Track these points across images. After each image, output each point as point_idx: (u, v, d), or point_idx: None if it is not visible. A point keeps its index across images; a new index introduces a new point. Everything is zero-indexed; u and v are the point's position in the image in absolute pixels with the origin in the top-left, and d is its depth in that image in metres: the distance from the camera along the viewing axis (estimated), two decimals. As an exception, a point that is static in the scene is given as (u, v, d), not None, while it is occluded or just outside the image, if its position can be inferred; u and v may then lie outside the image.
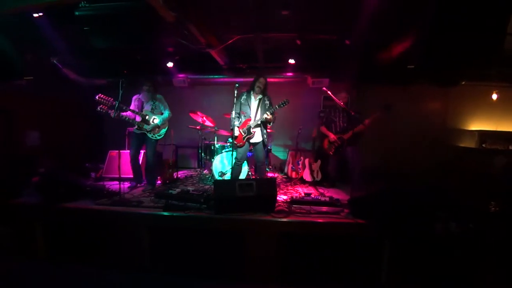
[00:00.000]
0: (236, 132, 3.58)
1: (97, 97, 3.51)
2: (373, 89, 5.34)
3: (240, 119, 3.62)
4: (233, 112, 3.60)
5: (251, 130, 3.55)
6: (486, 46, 2.72)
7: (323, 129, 4.29)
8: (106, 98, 3.53)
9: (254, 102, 3.63)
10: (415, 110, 5.46)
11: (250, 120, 3.57)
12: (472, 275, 2.54)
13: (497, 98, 5.20)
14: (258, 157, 3.68)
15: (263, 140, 3.61)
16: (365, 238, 2.72)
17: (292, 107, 5.84)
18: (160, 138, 4.08)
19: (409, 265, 2.63)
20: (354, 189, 3.80)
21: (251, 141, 3.61)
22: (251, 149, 3.82)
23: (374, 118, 3.83)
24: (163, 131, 4.06)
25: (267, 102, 3.62)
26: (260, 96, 3.62)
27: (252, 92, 3.63)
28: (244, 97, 3.65)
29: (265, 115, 3.45)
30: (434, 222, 2.67)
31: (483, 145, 5.12)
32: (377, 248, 2.70)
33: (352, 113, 3.93)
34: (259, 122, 3.55)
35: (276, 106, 3.48)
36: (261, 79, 3.57)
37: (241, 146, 3.60)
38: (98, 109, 3.50)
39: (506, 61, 3.11)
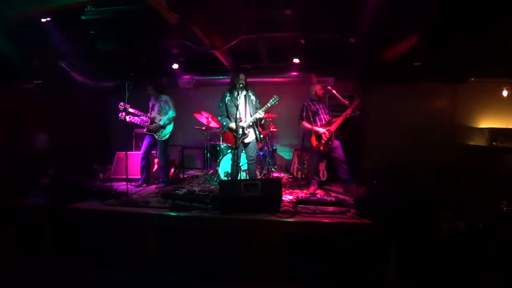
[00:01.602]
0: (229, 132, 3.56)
1: (120, 105, 3.81)
2: (379, 87, 5.27)
3: (230, 121, 3.56)
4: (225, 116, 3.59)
5: (246, 131, 3.51)
6: (494, 42, 2.66)
7: (306, 124, 3.95)
8: (124, 106, 3.80)
9: (240, 100, 3.51)
10: (423, 108, 5.37)
11: (241, 120, 3.48)
12: (481, 276, 2.48)
13: (507, 95, 5.08)
14: (249, 156, 3.64)
15: (256, 137, 3.57)
16: (371, 238, 2.69)
17: (297, 107, 5.83)
18: (166, 139, 4.16)
19: (417, 266, 2.59)
20: (345, 186, 3.81)
21: (245, 140, 3.58)
22: (260, 148, 3.81)
23: (355, 106, 3.75)
24: (166, 131, 4.14)
25: (253, 97, 3.58)
26: (244, 93, 3.55)
27: (235, 91, 3.52)
28: (228, 98, 3.57)
29: (258, 115, 3.43)
30: (442, 222, 2.61)
31: (494, 143, 5.00)
32: (384, 248, 2.67)
33: (358, 112, 3.83)
34: (251, 123, 3.50)
35: (268, 105, 3.42)
36: (241, 75, 3.50)
37: (236, 148, 3.55)
38: (119, 116, 3.81)
39: (515, 56, 3.03)
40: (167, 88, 5.87)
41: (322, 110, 3.98)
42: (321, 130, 3.79)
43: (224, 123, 3.59)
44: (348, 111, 3.74)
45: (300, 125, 4.04)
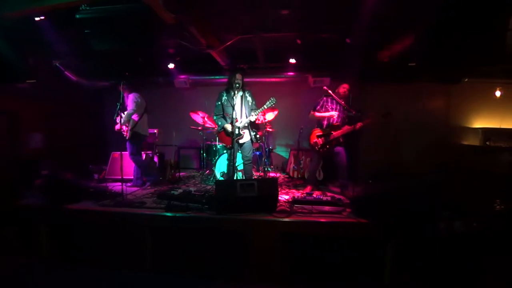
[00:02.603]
0: (227, 131, 3.54)
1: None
2: (374, 87, 5.31)
3: (225, 121, 3.55)
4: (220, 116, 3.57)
5: (241, 132, 3.50)
6: (488, 43, 2.69)
7: (315, 114, 3.83)
8: (117, 110, 3.76)
9: (236, 100, 3.47)
10: (417, 108, 5.42)
11: (237, 121, 3.47)
12: (477, 275, 2.51)
13: (500, 95, 5.15)
14: (245, 156, 3.63)
15: (251, 138, 3.57)
16: (367, 238, 2.71)
17: (293, 107, 5.88)
18: (129, 138, 3.98)
19: (413, 265, 2.61)
20: (343, 190, 3.74)
21: (240, 141, 3.57)
22: (256, 148, 3.79)
23: (367, 123, 3.58)
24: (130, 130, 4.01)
25: (249, 98, 3.56)
26: (240, 93, 3.53)
27: (231, 91, 3.49)
28: (224, 97, 3.55)
29: (252, 117, 3.43)
30: (437, 221, 2.64)
31: (487, 143, 5.07)
32: (380, 248, 2.68)
33: (354, 113, 3.74)
34: (246, 124, 3.50)
35: (264, 106, 3.41)
36: (238, 75, 3.46)
37: (232, 148, 3.53)
38: (116, 119, 3.78)
39: (508, 57, 3.08)
40: (163, 87, 5.91)
41: (336, 112, 3.80)
42: (326, 114, 3.72)
43: (220, 123, 3.58)
44: (365, 122, 3.58)
45: (309, 114, 3.93)
